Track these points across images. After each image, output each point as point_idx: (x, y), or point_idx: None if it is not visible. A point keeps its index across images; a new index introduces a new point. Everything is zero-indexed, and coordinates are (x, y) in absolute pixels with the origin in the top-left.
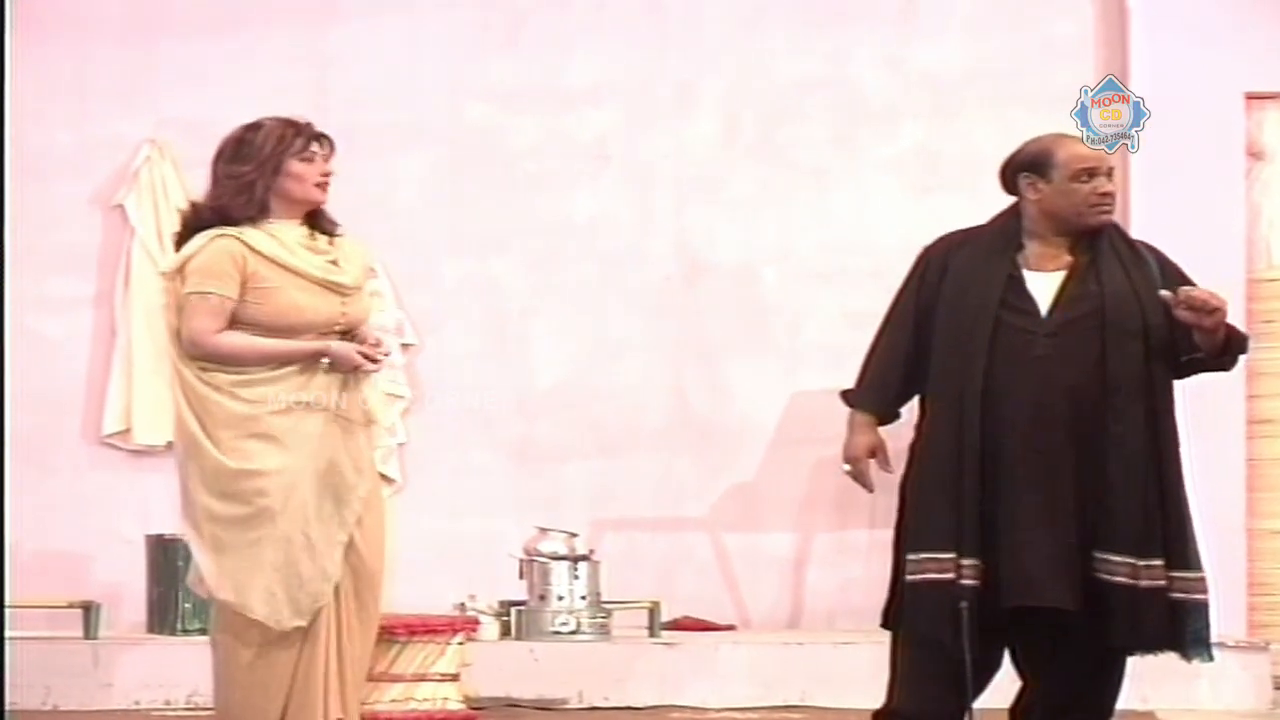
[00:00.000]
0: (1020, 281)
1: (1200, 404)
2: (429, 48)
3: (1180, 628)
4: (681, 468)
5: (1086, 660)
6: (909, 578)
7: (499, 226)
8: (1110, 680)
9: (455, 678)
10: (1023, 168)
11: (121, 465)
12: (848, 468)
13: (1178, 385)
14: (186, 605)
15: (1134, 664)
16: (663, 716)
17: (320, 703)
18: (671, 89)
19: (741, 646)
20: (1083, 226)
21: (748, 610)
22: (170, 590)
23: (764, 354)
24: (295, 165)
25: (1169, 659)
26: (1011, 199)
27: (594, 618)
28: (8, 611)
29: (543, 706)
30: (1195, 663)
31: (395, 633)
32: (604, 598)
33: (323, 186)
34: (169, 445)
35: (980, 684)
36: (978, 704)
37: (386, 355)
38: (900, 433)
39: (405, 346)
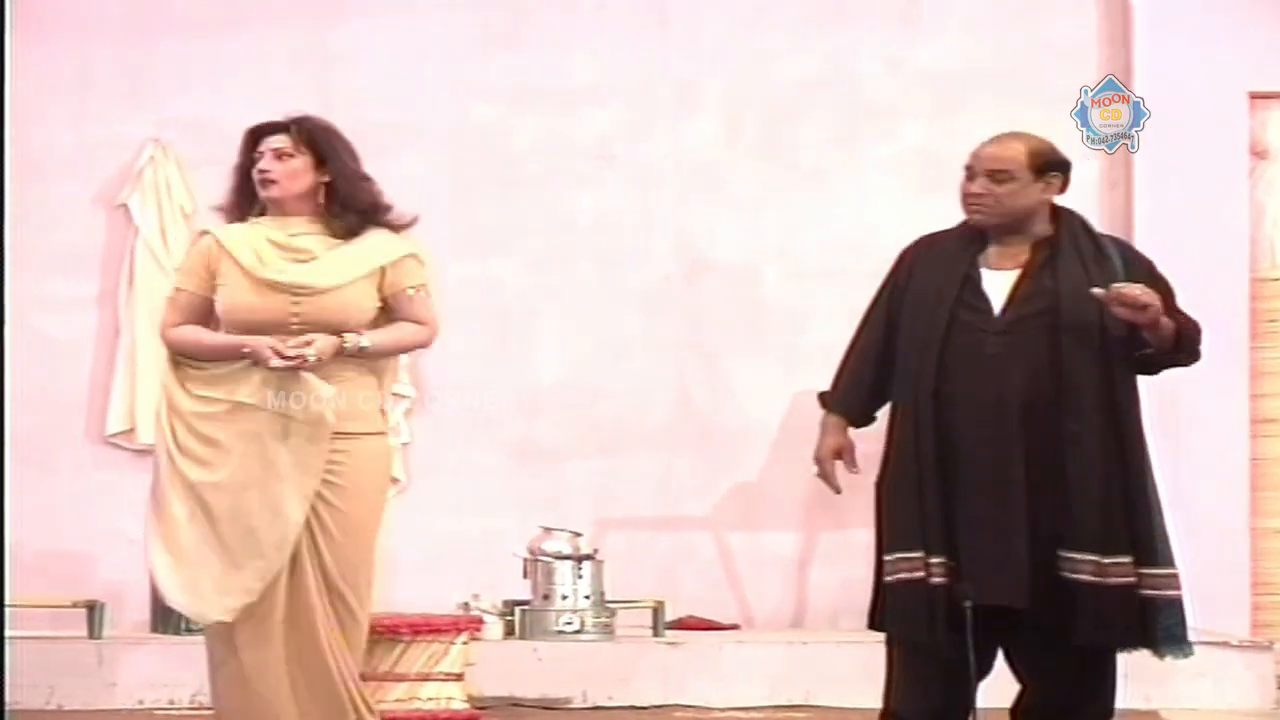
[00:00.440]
0: (977, 281)
1: (1204, 403)
2: (431, 47)
3: (1151, 625)
4: (684, 467)
5: (1075, 660)
6: (886, 578)
7: (501, 226)
8: (1101, 679)
9: (459, 677)
10: None
11: (125, 465)
12: (815, 469)
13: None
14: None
15: (1136, 663)
16: (667, 716)
17: (289, 704)
18: (673, 89)
19: (745, 646)
20: (979, 226)
21: (751, 609)
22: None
23: (765, 353)
24: (255, 168)
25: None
26: None
27: (598, 617)
28: (11, 611)
29: (547, 706)
30: (1169, 660)
31: (399, 632)
32: (608, 597)
33: (263, 183)
34: None
35: (969, 683)
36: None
37: (302, 359)
38: (877, 435)
39: None
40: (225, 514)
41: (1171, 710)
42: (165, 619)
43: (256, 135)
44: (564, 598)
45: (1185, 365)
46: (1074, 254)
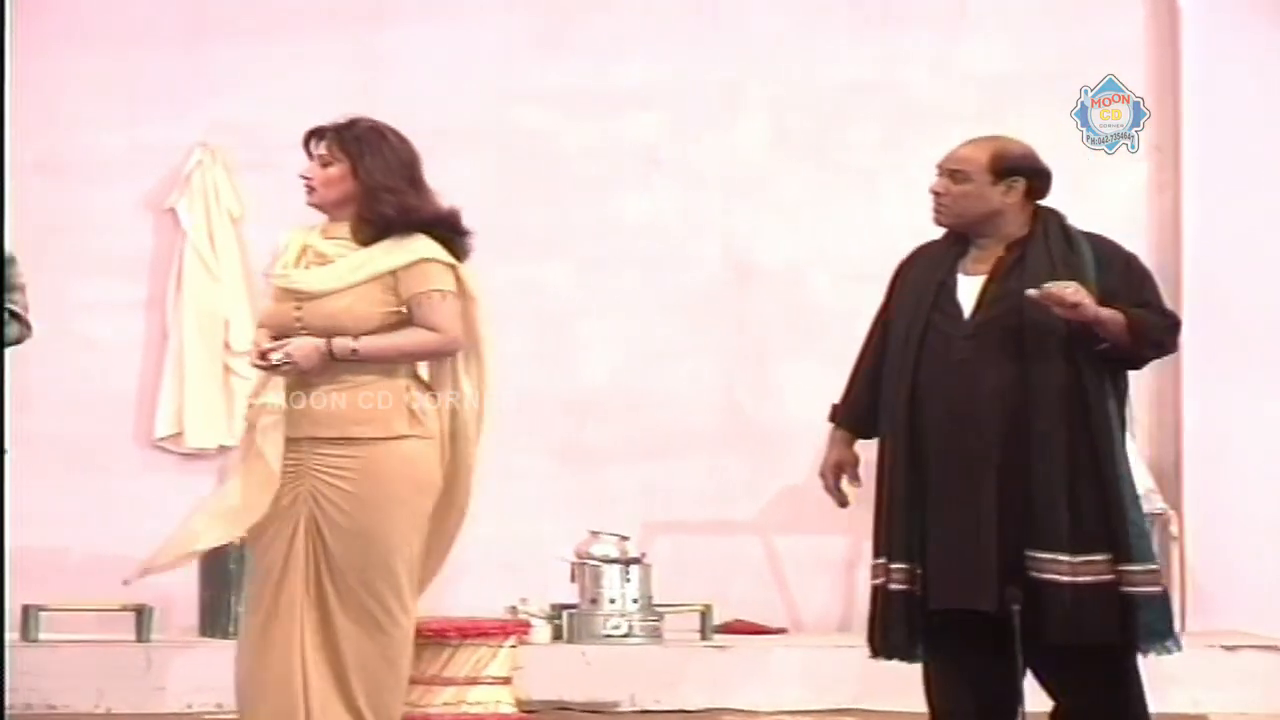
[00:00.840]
0: (951, 287)
1: (1260, 403)
2: (478, 51)
3: (1132, 621)
4: (731, 470)
5: (1092, 670)
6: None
7: (548, 230)
8: (1121, 688)
9: (507, 681)
10: None
11: (173, 468)
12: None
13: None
14: (238, 609)
15: (1185, 667)
16: None
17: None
18: (720, 92)
19: (793, 649)
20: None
21: (799, 613)
22: (222, 594)
23: (812, 356)
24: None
25: (1218, 660)
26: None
27: (645, 621)
28: (60, 615)
29: (594, 710)
30: (1154, 655)
31: (447, 636)
32: (655, 601)
33: (306, 189)
34: (220, 449)
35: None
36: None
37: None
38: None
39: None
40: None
41: (1220, 714)
42: (213, 623)
43: (314, 138)
44: (611, 601)
45: (1153, 358)
46: (1043, 254)
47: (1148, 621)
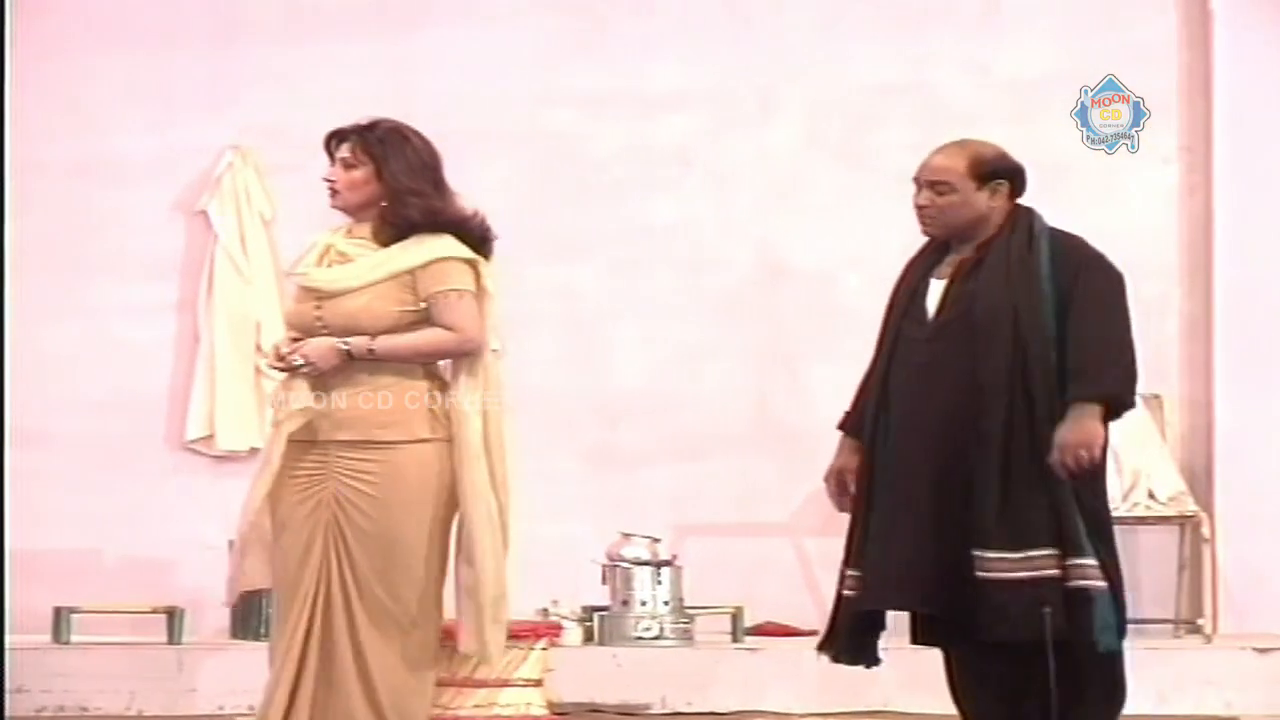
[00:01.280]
0: (922, 292)
1: (1276, 406)
2: (511, 54)
3: (1085, 616)
4: (763, 472)
5: (1057, 663)
6: None
7: (581, 232)
8: (1083, 680)
9: (538, 683)
10: None
11: (204, 471)
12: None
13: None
14: (269, 611)
15: (1218, 668)
16: None
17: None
18: (753, 94)
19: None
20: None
21: None
22: (253, 596)
23: (845, 358)
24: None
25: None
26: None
27: (677, 623)
28: (92, 617)
29: (626, 712)
30: (1102, 649)
31: None
32: (686, 603)
33: (330, 192)
34: (252, 451)
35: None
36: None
37: (288, 365)
38: None
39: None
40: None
41: (1252, 716)
42: (245, 625)
43: (335, 140)
44: (643, 603)
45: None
46: (1001, 257)
47: (1100, 614)
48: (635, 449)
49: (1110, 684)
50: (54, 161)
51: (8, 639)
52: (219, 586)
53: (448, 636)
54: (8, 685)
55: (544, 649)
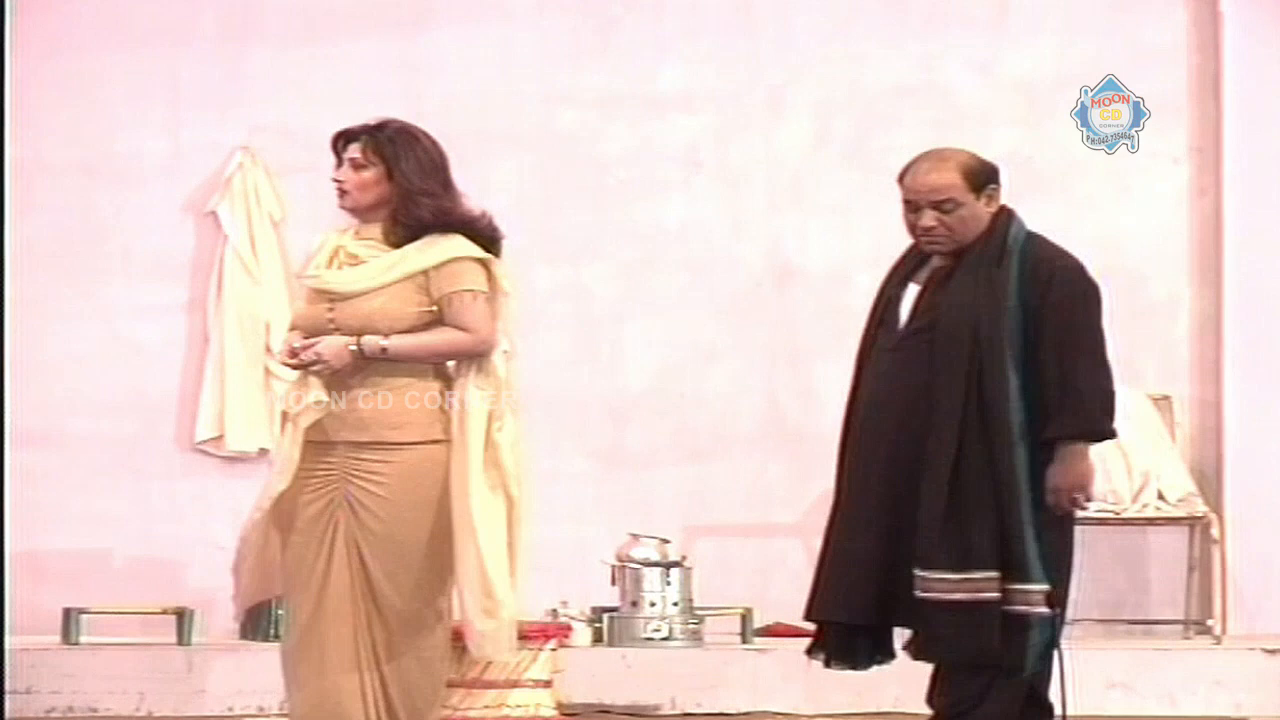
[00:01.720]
0: (898, 300)
1: None
2: (521, 54)
3: (1020, 641)
4: (773, 473)
5: (978, 680)
6: None
7: (590, 233)
8: (989, 699)
9: (548, 684)
10: None
11: (214, 472)
12: None
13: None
14: (279, 612)
15: (1227, 670)
16: None
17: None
18: (763, 95)
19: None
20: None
21: None
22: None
23: (854, 359)
24: (333, 175)
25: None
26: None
27: (686, 624)
28: (102, 618)
29: (635, 713)
30: (1028, 672)
31: None
32: (696, 604)
33: (338, 193)
34: (261, 452)
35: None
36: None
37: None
38: None
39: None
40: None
41: (1262, 717)
42: (255, 626)
43: (342, 140)
44: (652, 605)
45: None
46: (973, 266)
47: (1039, 642)
48: (644, 450)
49: (1037, 706)
50: (63, 162)
51: (8, 640)
52: (229, 587)
53: (457, 638)
54: (9, 686)
55: (553, 650)
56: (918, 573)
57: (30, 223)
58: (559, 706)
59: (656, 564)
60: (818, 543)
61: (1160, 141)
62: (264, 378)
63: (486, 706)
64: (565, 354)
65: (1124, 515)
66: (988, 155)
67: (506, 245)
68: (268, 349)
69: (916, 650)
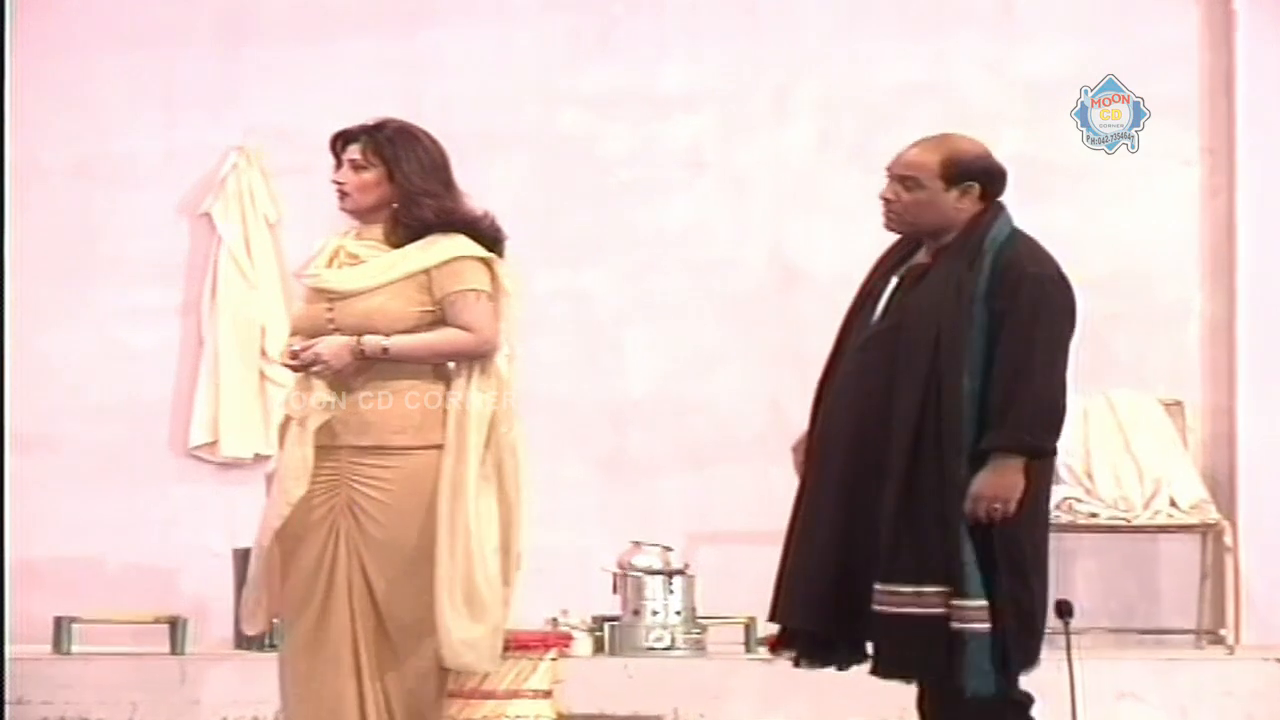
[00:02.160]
0: (878, 292)
1: None
2: (520, 53)
3: (957, 659)
4: (778, 480)
5: (934, 703)
6: None
7: (591, 235)
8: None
9: (548, 694)
10: None
11: (208, 478)
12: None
13: None
14: (275, 621)
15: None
16: None
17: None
18: (768, 94)
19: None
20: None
21: None
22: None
23: None
24: (332, 177)
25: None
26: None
27: (689, 633)
28: (94, 627)
29: None
30: (971, 693)
31: None
32: (699, 613)
33: (338, 195)
34: (256, 457)
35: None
36: None
37: (298, 364)
38: None
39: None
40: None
41: None
42: (250, 635)
43: (341, 141)
44: (654, 613)
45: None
46: (947, 266)
47: (973, 660)
48: (647, 455)
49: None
50: (55, 162)
51: (8, 649)
52: (223, 595)
53: None
54: (8, 696)
55: (553, 660)
56: (875, 585)
57: (22, 224)
58: (559, 717)
59: (659, 572)
60: None
61: (1172, 142)
62: (259, 382)
63: (485, 717)
64: (566, 358)
65: (1135, 522)
66: (996, 155)
67: (506, 247)
68: (263, 353)
69: (872, 665)
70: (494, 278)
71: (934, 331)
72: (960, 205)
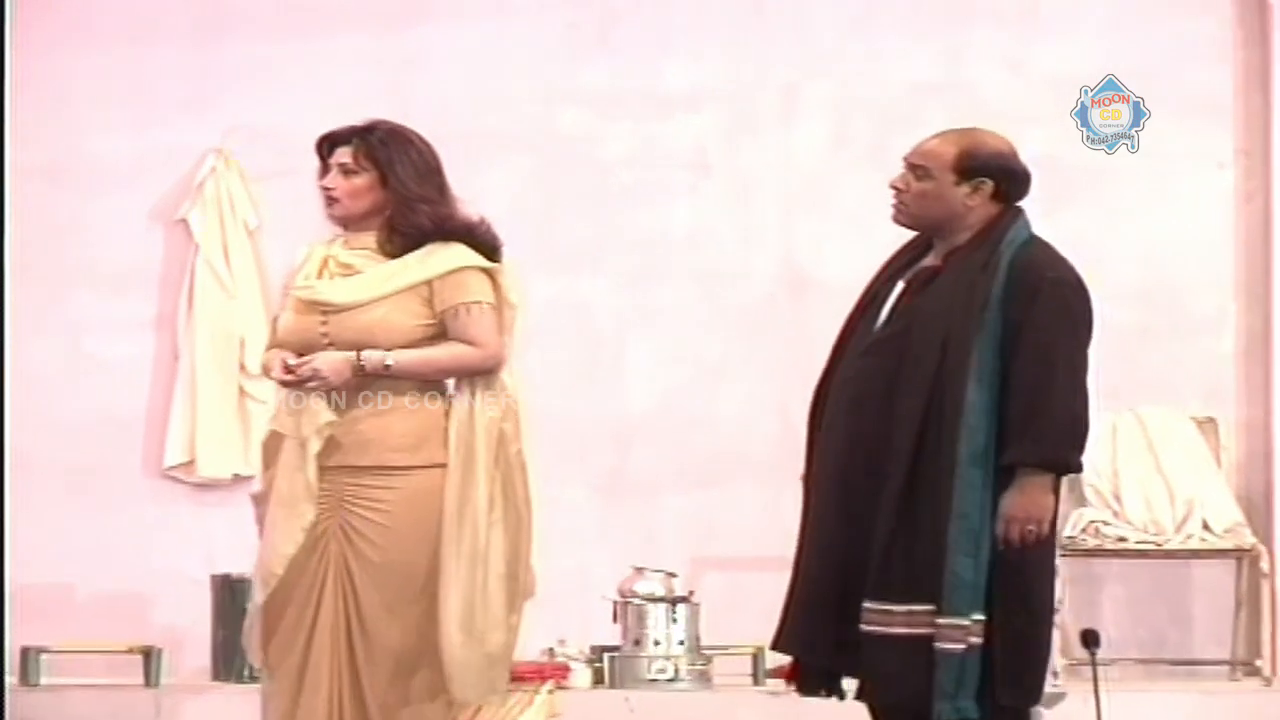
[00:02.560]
0: (883, 296)
1: None
2: (516, 50)
3: (932, 680)
4: (788, 501)
5: None
6: None
7: (590, 241)
8: None
9: None
10: None
11: (185, 499)
12: None
13: None
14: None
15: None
16: None
17: None
18: (776, 93)
19: (851, 692)
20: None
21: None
22: (236, 634)
23: None
24: (320, 182)
25: None
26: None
27: (693, 664)
28: (64, 657)
29: None
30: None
31: None
32: (704, 642)
33: (327, 201)
34: (235, 478)
35: None
36: None
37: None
38: None
39: None
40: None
41: None
42: (228, 666)
43: (328, 144)
44: (657, 643)
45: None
46: (959, 271)
47: (940, 681)
48: (649, 475)
49: None
50: (22, 165)
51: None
52: (200, 624)
53: None
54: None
55: (550, 692)
56: (865, 603)
57: None
58: None
59: (661, 599)
60: None
61: (1204, 144)
62: (238, 398)
63: None
64: (563, 372)
65: (1166, 547)
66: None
67: (503, 255)
68: (242, 367)
69: (858, 690)
70: (497, 289)
71: (941, 336)
72: (970, 202)
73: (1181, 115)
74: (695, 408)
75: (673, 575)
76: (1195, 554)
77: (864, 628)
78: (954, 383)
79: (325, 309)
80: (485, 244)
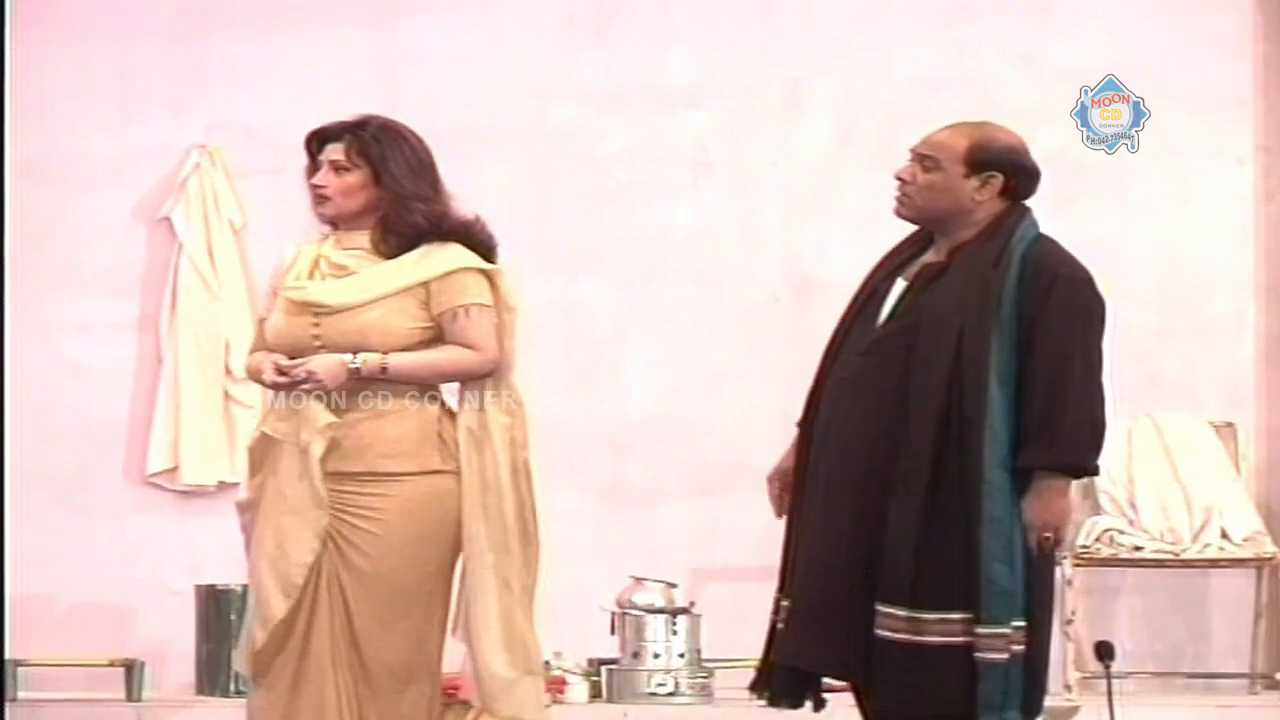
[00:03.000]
0: (883, 294)
1: None
2: (509, 43)
3: (972, 690)
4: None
5: None
6: None
7: (587, 241)
8: None
9: None
10: None
11: (168, 507)
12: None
13: None
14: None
15: None
16: None
17: None
18: (780, 88)
19: (856, 707)
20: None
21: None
22: (221, 647)
23: None
24: (311, 180)
25: None
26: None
27: (694, 677)
28: (44, 671)
29: None
30: None
31: (471, 694)
32: (705, 655)
33: (318, 199)
34: (220, 485)
35: None
36: None
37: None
38: None
39: None
40: (254, 549)
41: None
42: (212, 679)
43: (317, 141)
44: (656, 656)
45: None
46: (967, 265)
47: (985, 692)
48: (648, 483)
49: None
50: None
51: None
52: (183, 637)
53: (449, 693)
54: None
55: (546, 706)
56: (881, 608)
57: None
58: None
59: (661, 611)
60: None
61: (1223, 140)
62: (224, 403)
63: None
64: (560, 377)
65: (1183, 556)
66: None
67: (498, 255)
68: (228, 370)
69: (866, 698)
70: (496, 291)
71: (956, 334)
72: (979, 196)
73: (1199, 111)
74: (696, 413)
75: (673, 586)
76: (1213, 563)
77: (885, 634)
78: (973, 382)
79: (318, 310)
80: (482, 243)
